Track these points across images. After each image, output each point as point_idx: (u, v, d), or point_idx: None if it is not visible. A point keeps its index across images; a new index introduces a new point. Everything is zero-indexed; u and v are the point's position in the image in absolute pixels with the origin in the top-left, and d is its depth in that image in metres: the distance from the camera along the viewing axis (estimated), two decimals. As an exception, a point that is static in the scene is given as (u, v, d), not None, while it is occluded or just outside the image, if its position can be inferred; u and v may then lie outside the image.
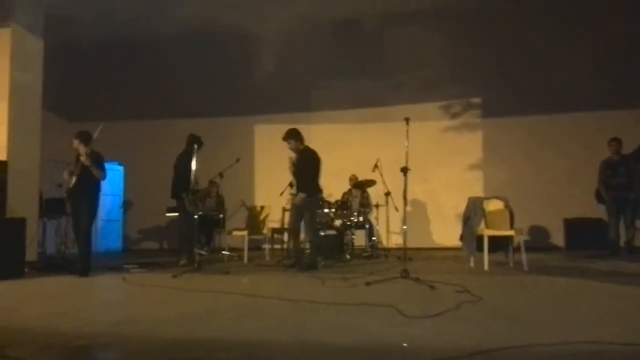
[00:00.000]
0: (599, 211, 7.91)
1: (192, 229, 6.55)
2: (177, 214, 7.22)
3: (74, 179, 5.73)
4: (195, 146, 6.29)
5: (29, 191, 6.65)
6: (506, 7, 9.08)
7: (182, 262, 6.57)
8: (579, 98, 8.93)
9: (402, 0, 8.86)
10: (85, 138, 5.78)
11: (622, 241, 7.21)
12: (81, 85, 10.71)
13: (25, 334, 2.91)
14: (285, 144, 6.34)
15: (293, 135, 6.29)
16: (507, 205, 6.14)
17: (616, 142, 7.30)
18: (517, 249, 5.94)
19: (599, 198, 7.38)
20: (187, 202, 6.63)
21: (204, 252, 7.25)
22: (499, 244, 5.98)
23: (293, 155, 6.34)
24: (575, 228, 8.53)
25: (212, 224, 8.62)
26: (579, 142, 8.69)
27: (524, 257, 5.65)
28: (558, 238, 8.70)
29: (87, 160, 5.63)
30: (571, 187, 8.51)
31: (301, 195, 6.09)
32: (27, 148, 6.66)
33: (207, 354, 2.44)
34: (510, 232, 5.86)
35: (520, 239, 5.81)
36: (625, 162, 7.21)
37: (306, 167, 6.23)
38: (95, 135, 5.73)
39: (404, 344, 2.50)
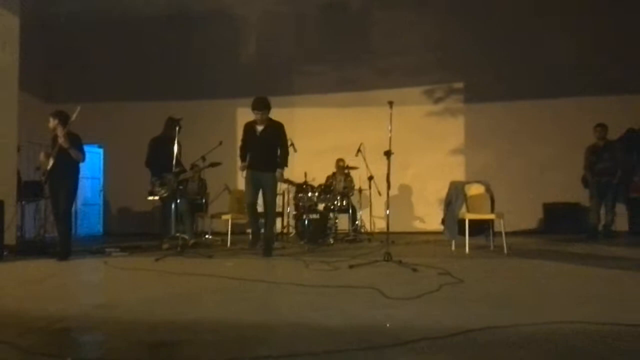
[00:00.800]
0: (578, 196, 8.07)
1: (171, 212, 6.53)
2: (157, 197, 7.13)
3: (51, 161, 5.62)
4: (177, 129, 6.20)
5: (7, 173, 6.52)
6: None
7: (165, 246, 6.51)
8: (562, 83, 9.03)
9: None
10: (63, 118, 5.64)
11: (600, 225, 7.38)
12: (59, 65, 10.48)
13: (5, 317, 2.87)
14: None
15: (268, 106, 5.82)
16: (488, 190, 6.22)
17: (601, 127, 7.41)
18: (497, 233, 6.03)
19: (585, 183, 7.52)
20: (166, 184, 6.54)
21: (185, 236, 7.23)
22: (479, 227, 6.07)
23: (257, 126, 5.82)
24: (554, 212, 8.70)
25: (195, 208, 8.55)
26: (560, 128, 8.80)
27: (504, 240, 5.74)
28: (537, 222, 8.86)
29: (65, 142, 5.51)
30: (552, 172, 8.64)
31: (280, 171, 5.83)
32: (4, 129, 6.52)
33: (194, 336, 2.43)
34: (491, 216, 5.95)
35: (500, 223, 5.89)
36: (610, 148, 7.35)
37: (282, 140, 5.91)
38: (74, 117, 5.59)
39: (387, 325, 2.52)
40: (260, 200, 5.87)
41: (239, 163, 6.13)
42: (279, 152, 5.89)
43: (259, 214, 5.89)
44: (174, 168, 6.26)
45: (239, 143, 6.13)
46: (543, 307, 2.98)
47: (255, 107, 5.74)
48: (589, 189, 7.46)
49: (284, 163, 5.89)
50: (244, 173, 5.88)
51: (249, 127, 5.91)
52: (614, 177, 7.21)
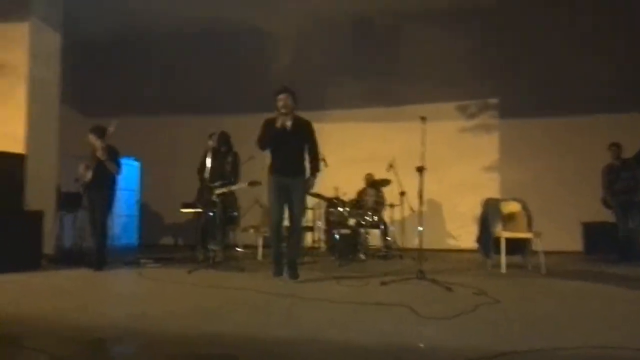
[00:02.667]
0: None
1: (206, 224, 6.61)
2: (192, 210, 7.26)
3: (89, 173, 5.78)
4: (211, 143, 6.32)
5: (47, 185, 6.71)
6: (525, 7, 8.97)
7: (200, 257, 6.60)
8: (597, 100, 8.79)
9: (420, -2, 8.80)
10: (100, 133, 5.83)
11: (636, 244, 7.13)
12: (98, 80, 10.81)
13: (41, 326, 2.92)
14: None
15: (294, 93, 4.91)
16: (524, 207, 6.06)
17: (615, 146, 7.34)
18: (534, 252, 5.84)
19: (606, 204, 7.40)
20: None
21: (216, 249, 7.29)
22: (516, 246, 5.89)
23: (283, 119, 4.78)
24: (594, 232, 8.39)
25: (227, 221, 8.62)
26: (596, 145, 8.49)
27: (542, 260, 5.55)
28: (576, 241, 8.55)
29: (103, 154, 5.67)
30: (589, 190, 8.33)
31: (312, 178, 4.99)
32: (46, 142, 6.72)
33: (222, 349, 2.43)
34: (528, 235, 5.78)
35: (538, 242, 5.71)
36: (627, 166, 7.21)
37: (312, 139, 5.00)
38: (111, 130, 5.76)
39: (420, 345, 2.46)
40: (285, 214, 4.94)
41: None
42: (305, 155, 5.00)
43: (283, 235, 4.98)
44: (207, 181, 6.35)
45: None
46: (582, 330, 2.85)
47: (279, 92, 4.85)
48: (613, 210, 7.33)
49: (316, 168, 5.01)
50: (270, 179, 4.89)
51: (274, 123, 4.82)
52: (635, 195, 7.02)
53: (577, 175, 8.71)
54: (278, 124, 4.75)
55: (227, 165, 6.65)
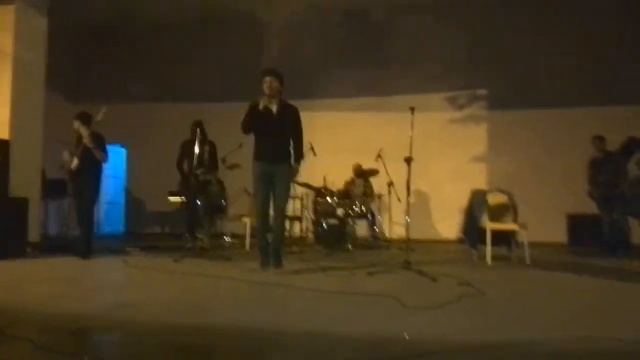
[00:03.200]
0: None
1: (194, 213, 6.60)
2: (180, 198, 7.24)
3: (74, 160, 5.72)
4: (198, 130, 6.29)
5: (32, 171, 6.62)
6: (513, 1, 9.01)
7: (188, 245, 6.58)
8: (586, 93, 8.86)
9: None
10: (86, 119, 5.76)
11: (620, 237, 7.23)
12: (84, 66, 10.67)
13: (25, 314, 2.90)
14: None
15: (281, 76, 4.77)
16: (510, 199, 6.10)
17: (599, 139, 7.39)
18: (519, 243, 5.91)
19: (591, 196, 7.47)
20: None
21: (205, 239, 7.29)
22: (501, 237, 5.95)
23: (266, 100, 4.66)
24: (579, 224, 8.49)
25: (215, 210, 8.61)
26: (585, 137, 8.59)
27: (526, 251, 5.62)
28: (561, 233, 8.66)
29: (90, 141, 5.60)
30: (576, 182, 8.41)
31: (296, 164, 4.82)
32: (30, 127, 6.62)
33: (209, 340, 2.43)
34: (514, 226, 5.83)
35: (523, 233, 5.77)
36: (611, 159, 7.27)
37: (298, 126, 4.83)
38: (99, 117, 5.70)
39: (405, 335, 2.48)
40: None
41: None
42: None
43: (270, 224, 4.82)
44: (194, 169, 6.32)
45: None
46: (565, 321, 2.89)
47: (264, 73, 4.72)
48: (596, 203, 7.39)
49: (300, 155, 4.84)
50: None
51: (258, 106, 4.67)
52: (617, 188, 7.10)
53: (563, 167, 8.79)
54: (261, 106, 4.62)
55: (205, 153, 6.59)
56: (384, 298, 3.40)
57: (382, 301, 3.34)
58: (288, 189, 4.90)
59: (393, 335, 2.50)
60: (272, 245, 4.72)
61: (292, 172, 4.84)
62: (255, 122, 4.67)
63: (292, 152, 4.82)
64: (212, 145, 6.87)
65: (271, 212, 4.82)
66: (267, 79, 4.67)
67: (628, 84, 8.65)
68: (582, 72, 8.83)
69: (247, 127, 4.74)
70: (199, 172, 6.49)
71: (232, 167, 6.90)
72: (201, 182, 6.65)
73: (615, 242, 7.12)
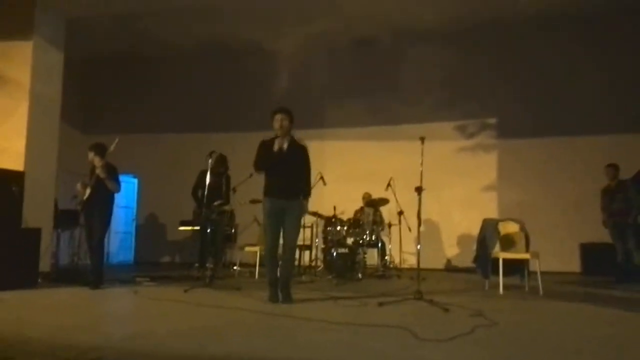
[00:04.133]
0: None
1: (205, 242, 6.65)
2: (191, 227, 7.32)
3: (87, 191, 5.79)
4: (210, 161, 6.39)
5: (45, 202, 6.71)
6: (523, 29, 9.12)
7: (197, 274, 6.63)
8: (596, 120, 8.87)
9: (419, 19, 8.94)
10: (101, 150, 5.85)
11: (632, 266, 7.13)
12: (98, 97, 10.92)
13: (36, 345, 2.90)
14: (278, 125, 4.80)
15: (291, 114, 4.86)
16: (522, 228, 6.06)
17: (612, 167, 7.38)
18: (532, 273, 5.83)
19: (605, 225, 7.43)
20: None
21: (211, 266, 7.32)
22: (514, 267, 5.88)
23: (280, 142, 4.75)
24: (592, 253, 8.38)
25: (223, 239, 8.64)
26: (595, 165, 8.56)
27: (539, 281, 5.54)
28: (574, 262, 8.54)
29: (103, 172, 5.68)
30: (588, 211, 8.36)
31: (305, 202, 4.93)
32: (44, 159, 6.74)
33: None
34: (526, 256, 5.76)
35: (536, 263, 5.70)
36: (622, 187, 7.26)
37: (306, 163, 4.93)
38: (112, 148, 5.79)
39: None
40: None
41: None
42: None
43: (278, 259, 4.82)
44: (205, 199, 6.39)
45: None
46: (581, 353, 2.83)
47: (277, 111, 4.82)
48: (609, 231, 7.35)
49: (308, 193, 4.97)
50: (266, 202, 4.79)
51: (270, 145, 4.79)
52: (629, 217, 7.04)
53: (576, 195, 8.73)
54: (276, 148, 4.70)
55: (223, 186, 6.92)
56: (395, 329, 3.36)
57: (393, 332, 3.30)
58: (299, 225, 4.98)
59: (405, 368, 2.46)
60: (280, 280, 4.70)
61: (302, 209, 4.89)
62: (268, 160, 4.75)
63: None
64: (228, 178, 7.12)
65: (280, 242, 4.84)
66: (278, 117, 4.78)
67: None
68: (595, 99, 8.86)
69: (261, 167, 4.84)
70: (216, 203, 6.64)
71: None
72: (218, 213, 6.76)
73: (629, 271, 7.01)
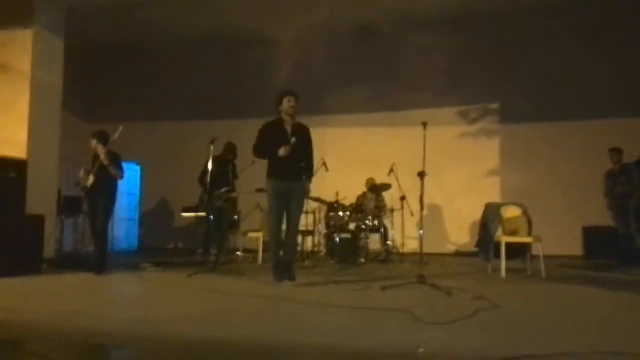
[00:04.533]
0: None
1: (209, 229, 6.70)
2: (193, 214, 7.37)
3: (90, 178, 5.80)
4: (212, 148, 6.40)
5: (48, 189, 6.73)
6: (524, 15, 9.03)
7: (202, 260, 6.67)
8: (597, 104, 8.81)
9: (420, 6, 8.85)
10: (103, 138, 5.86)
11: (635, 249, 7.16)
12: (99, 85, 10.89)
13: (42, 330, 2.93)
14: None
15: (298, 96, 4.88)
16: (525, 212, 6.06)
17: (615, 151, 7.37)
18: (535, 257, 5.85)
19: (609, 208, 7.44)
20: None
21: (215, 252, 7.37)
22: (516, 251, 5.90)
23: (286, 126, 4.84)
24: (594, 236, 8.39)
25: (228, 226, 8.68)
26: (596, 150, 8.52)
27: (542, 264, 5.56)
28: (576, 246, 8.56)
29: (106, 159, 5.69)
30: (589, 195, 8.35)
31: (307, 183, 4.93)
32: (47, 147, 6.74)
33: (223, 355, 2.43)
34: (529, 239, 5.78)
35: (538, 246, 5.71)
36: (626, 170, 7.25)
37: (309, 144, 4.96)
38: (116, 136, 5.78)
39: (420, 350, 2.46)
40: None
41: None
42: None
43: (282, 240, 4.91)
44: (209, 185, 6.42)
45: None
46: (580, 335, 2.86)
47: (288, 93, 4.84)
48: (612, 214, 7.37)
49: (311, 172, 5.03)
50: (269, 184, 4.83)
51: (274, 127, 4.86)
52: (631, 200, 7.04)
53: (577, 179, 8.71)
54: (281, 154, 4.68)
55: (229, 173, 6.99)
56: (398, 313, 3.38)
57: (396, 316, 3.32)
58: (302, 206, 5.04)
59: (408, 351, 2.49)
60: (285, 260, 4.82)
61: (306, 190, 4.92)
62: (268, 141, 4.79)
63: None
64: (235, 166, 7.18)
65: (283, 226, 4.91)
66: (290, 98, 4.81)
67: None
68: (597, 84, 8.79)
69: (261, 155, 4.89)
70: (223, 190, 6.76)
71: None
72: (225, 200, 6.85)
73: (630, 254, 7.03)
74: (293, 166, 4.74)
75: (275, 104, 4.92)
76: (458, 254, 8.98)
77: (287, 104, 4.79)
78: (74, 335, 2.79)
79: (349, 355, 2.44)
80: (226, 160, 7.04)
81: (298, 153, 4.76)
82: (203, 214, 7.18)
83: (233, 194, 7.04)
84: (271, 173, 4.81)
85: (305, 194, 4.96)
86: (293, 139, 4.71)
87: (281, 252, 4.90)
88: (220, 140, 6.89)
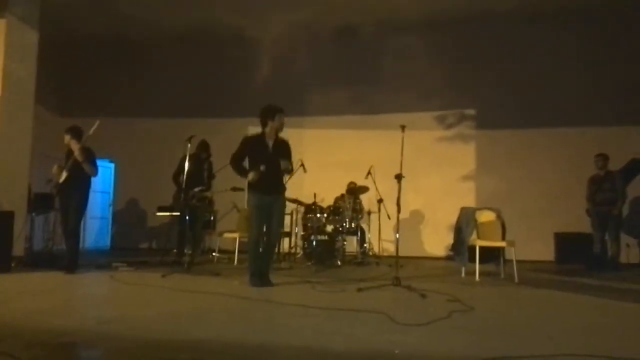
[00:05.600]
0: (590, 226, 7.96)
1: (184, 228, 6.62)
2: (168, 213, 7.27)
3: (63, 174, 5.67)
4: (189, 146, 6.33)
5: (18, 185, 6.56)
6: (502, 21, 9.18)
7: (174, 260, 6.59)
8: (573, 113, 9.00)
9: (401, 10, 8.92)
10: (77, 133, 5.74)
11: (608, 256, 7.31)
12: (74, 80, 10.66)
13: (10, 329, 2.85)
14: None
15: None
16: (499, 217, 6.15)
17: (601, 157, 7.44)
18: (508, 261, 5.94)
19: (589, 214, 7.52)
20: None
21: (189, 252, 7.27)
22: (490, 255, 5.98)
23: (267, 140, 4.94)
24: (566, 242, 8.55)
25: (202, 226, 8.59)
26: (571, 157, 8.73)
27: (514, 268, 5.65)
28: (549, 251, 8.72)
29: (81, 155, 5.56)
30: (563, 201, 8.54)
31: (286, 162, 4.93)
32: (18, 141, 6.57)
33: (197, 355, 2.40)
34: (502, 244, 5.86)
35: (511, 251, 5.80)
36: (610, 178, 7.35)
37: (289, 158, 5.02)
38: (91, 131, 5.65)
39: (396, 351, 2.47)
40: None
41: (241, 179, 5.11)
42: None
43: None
44: (184, 184, 6.35)
45: (248, 161, 5.06)
46: (555, 337, 2.90)
47: (280, 110, 4.95)
48: (591, 220, 7.47)
49: (291, 167, 5.14)
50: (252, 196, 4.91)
51: (256, 142, 4.96)
52: (614, 208, 7.18)
53: (551, 185, 8.88)
54: (249, 179, 4.81)
55: (205, 172, 6.90)
56: (373, 314, 3.39)
57: (372, 317, 3.33)
58: (283, 219, 5.25)
59: (383, 352, 2.49)
60: (263, 268, 4.88)
61: (286, 169, 4.97)
62: (250, 155, 4.92)
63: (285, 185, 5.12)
64: (211, 164, 7.11)
65: None
66: (281, 117, 4.95)
67: (618, 104, 8.75)
68: (576, 91, 8.97)
69: (238, 171, 4.95)
70: (197, 189, 6.68)
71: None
72: (199, 199, 6.79)
73: (602, 261, 7.18)
74: (274, 180, 4.89)
75: (262, 114, 4.96)
76: (434, 257, 9.06)
77: (279, 121, 4.94)
78: (43, 334, 2.72)
79: (324, 356, 2.43)
80: (201, 159, 6.96)
81: (278, 167, 4.84)
82: (178, 213, 7.07)
83: (207, 193, 6.96)
84: (254, 187, 4.87)
85: (285, 207, 5.14)
86: (262, 167, 4.76)
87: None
88: (198, 139, 6.84)
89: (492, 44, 9.46)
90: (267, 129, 4.94)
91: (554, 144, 9.11)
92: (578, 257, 7.89)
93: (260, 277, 4.79)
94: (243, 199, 9.22)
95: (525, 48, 9.30)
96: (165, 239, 8.75)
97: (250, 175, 4.77)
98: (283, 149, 4.98)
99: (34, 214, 7.65)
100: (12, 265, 5.78)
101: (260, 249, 4.89)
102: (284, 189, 5.05)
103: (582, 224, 7.87)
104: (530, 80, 9.27)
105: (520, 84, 9.28)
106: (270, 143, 4.94)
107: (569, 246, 8.44)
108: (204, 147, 7.07)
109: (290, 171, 5.11)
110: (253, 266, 4.85)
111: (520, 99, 9.26)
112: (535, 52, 9.24)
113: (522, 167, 9.22)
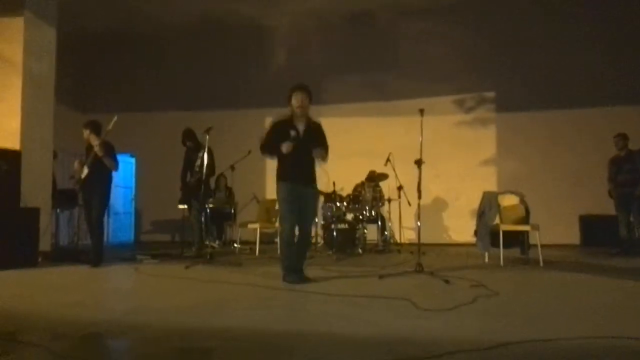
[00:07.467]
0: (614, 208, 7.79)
1: (200, 220, 6.63)
2: (185, 206, 7.35)
3: (85, 170, 5.73)
4: (207, 137, 6.31)
5: (43, 182, 6.65)
6: (522, 2, 8.98)
7: (190, 253, 6.63)
8: (594, 93, 8.81)
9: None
10: (96, 128, 5.78)
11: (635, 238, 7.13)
12: (94, 76, 10.78)
13: (38, 321, 2.90)
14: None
15: (311, 92, 4.57)
16: (522, 200, 6.06)
17: (621, 137, 7.22)
18: (532, 245, 5.84)
19: (611, 195, 7.34)
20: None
21: (215, 245, 7.29)
22: (514, 239, 5.89)
23: (298, 124, 4.47)
24: (591, 224, 8.41)
25: (223, 217, 8.65)
26: (593, 138, 8.54)
27: (539, 252, 5.55)
28: (574, 234, 8.57)
29: (100, 150, 5.62)
30: (586, 183, 8.38)
31: (320, 150, 4.47)
32: (41, 138, 6.66)
33: (223, 343, 2.41)
34: (526, 228, 5.77)
35: (535, 235, 5.71)
36: (631, 158, 7.14)
37: (324, 143, 4.56)
38: (110, 126, 5.68)
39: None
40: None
41: (272, 173, 4.70)
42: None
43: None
44: (188, 177, 6.41)
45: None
46: (579, 321, 2.85)
47: (297, 88, 4.48)
48: (614, 201, 7.25)
49: (326, 153, 4.56)
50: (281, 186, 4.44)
51: (284, 125, 4.47)
52: (636, 188, 6.97)
53: (575, 167, 8.72)
54: (283, 150, 4.32)
55: (198, 159, 6.70)
56: (396, 300, 3.37)
57: (394, 303, 3.31)
58: (315, 211, 4.81)
59: (407, 337, 2.47)
60: (298, 263, 4.46)
61: (318, 153, 4.49)
62: (279, 141, 4.38)
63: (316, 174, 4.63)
64: (210, 152, 6.76)
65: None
66: (299, 94, 4.45)
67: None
68: (594, 71, 8.77)
69: (269, 155, 4.53)
70: (192, 179, 6.79)
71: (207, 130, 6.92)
72: (191, 187, 6.81)
73: (629, 242, 7.02)
74: (306, 169, 4.45)
75: (287, 97, 4.55)
76: (456, 243, 8.98)
77: (295, 101, 4.44)
78: (70, 325, 2.76)
79: (347, 342, 2.42)
80: (188, 148, 7.00)
81: (309, 154, 4.42)
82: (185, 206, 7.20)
83: (192, 180, 6.83)
84: (283, 176, 4.44)
85: (318, 155, 4.49)
86: (293, 133, 4.34)
87: None
88: (216, 130, 6.82)
89: (510, 25, 9.27)
90: (293, 112, 4.49)
91: (575, 125, 8.93)
92: (604, 240, 7.73)
93: (297, 273, 4.37)
94: (263, 190, 9.27)
95: (543, 28, 9.10)
96: (188, 231, 8.84)
97: (284, 147, 4.28)
98: (316, 134, 4.51)
99: (58, 210, 7.80)
100: (39, 260, 5.89)
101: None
102: (315, 178, 4.54)
103: (606, 206, 7.69)
104: (549, 61, 9.07)
105: (540, 65, 9.10)
106: (301, 127, 4.45)
107: (594, 229, 8.30)
108: (187, 135, 6.99)
109: (323, 158, 4.54)
110: (287, 263, 4.40)
111: (539, 80, 9.09)
112: (554, 32, 9.03)
113: (543, 149, 9.07)
